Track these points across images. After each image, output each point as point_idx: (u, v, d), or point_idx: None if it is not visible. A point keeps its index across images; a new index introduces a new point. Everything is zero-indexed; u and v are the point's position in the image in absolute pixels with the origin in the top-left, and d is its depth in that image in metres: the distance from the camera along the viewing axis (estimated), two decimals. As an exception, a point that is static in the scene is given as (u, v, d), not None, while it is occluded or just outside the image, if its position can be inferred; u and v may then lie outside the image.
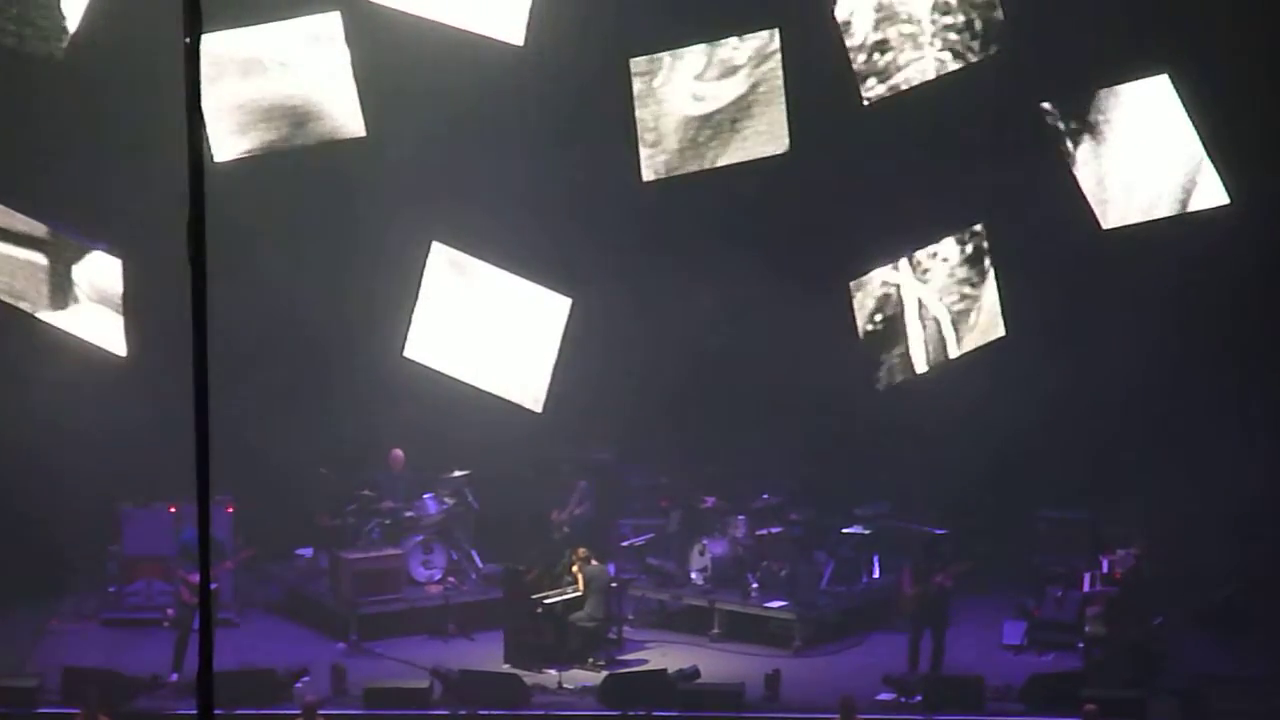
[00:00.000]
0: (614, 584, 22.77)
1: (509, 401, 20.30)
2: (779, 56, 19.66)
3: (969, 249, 20.08)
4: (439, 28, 19.17)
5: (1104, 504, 23.80)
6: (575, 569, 22.37)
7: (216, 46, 18.84)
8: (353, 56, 19.23)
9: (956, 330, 20.26)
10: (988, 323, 20.49)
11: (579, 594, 22.32)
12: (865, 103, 20.91)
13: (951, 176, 23.53)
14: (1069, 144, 19.53)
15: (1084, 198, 19.42)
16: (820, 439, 25.05)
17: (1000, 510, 24.13)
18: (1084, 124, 19.49)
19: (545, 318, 20.28)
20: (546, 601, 22.22)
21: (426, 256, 20.26)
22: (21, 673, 21.16)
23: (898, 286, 19.89)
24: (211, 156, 18.55)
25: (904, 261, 19.94)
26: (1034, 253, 23.37)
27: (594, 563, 22.37)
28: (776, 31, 19.72)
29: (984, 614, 23.86)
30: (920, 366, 20.44)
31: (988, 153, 23.44)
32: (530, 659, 21.93)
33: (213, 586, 21.62)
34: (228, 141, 19.13)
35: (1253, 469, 24.09)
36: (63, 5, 20.61)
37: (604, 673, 21.45)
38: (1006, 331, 20.53)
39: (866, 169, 23.99)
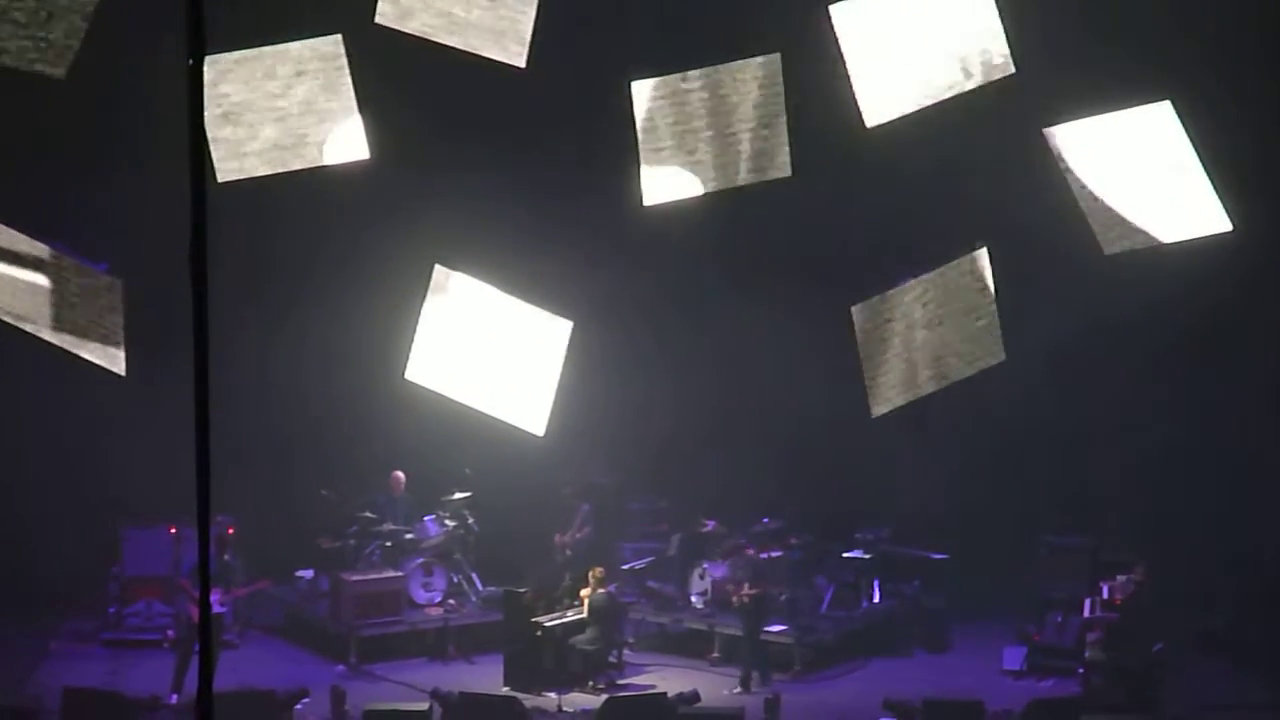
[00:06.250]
0: (620, 613, 22.86)
1: (510, 425, 20.29)
2: (781, 81, 19.65)
3: (971, 273, 20.04)
4: (442, 50, 19.17)
5: (1105, 529, 23.81)
6: (586, 592, 22.36)
7: (220, 67, 18.84)
8: (355, 79, 19.21)
9: (957, 354, 20.22)
10: (988, 347, 20.45)
11: (580, 617, 22.34)
12: (867, 127, 20.91)
13: (954, 201, 23.56)
14: (1071, 170, 19.50)
15: (1086, 223, 19.40)
16: (820, 463, 25.06)
17: (1002, 535, 24.13)
18: (1087, 150, 19.45)
19: (547, 341, 20.26)
20: (546, 624, 22.22)
21: (428, 279, 20.25)
22: (21, 693, 21.14)
23: (899, 310, 19.85)
24: (214, 177, 18.51)
25: (905, 285, 19.90)
26: (1036, 277, 23.39)
27: (601, 590, 22.37)
28: (778, 56, 19.71)
29: (985, 639, 23.89)
30: (920, 391, 20.42)
31: (990, 178, 23.47)
32: (530, 682, 21.93)
33: (220, 610, 21.80)
34: (230, 162, 19.11)
35: (1254, 495, 24.11)
36: (66, 24, 20.61)
37: (604, 696, 21.44)
38: (1007, 356, 20.50)
39: (868, 193, 24.03)
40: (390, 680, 22.47)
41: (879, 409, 20.37)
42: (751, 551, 23.10)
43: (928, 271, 20.21)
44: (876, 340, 20.03)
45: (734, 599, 22.94)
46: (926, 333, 20.05)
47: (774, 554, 23.77)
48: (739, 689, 22.19)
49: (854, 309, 19.89)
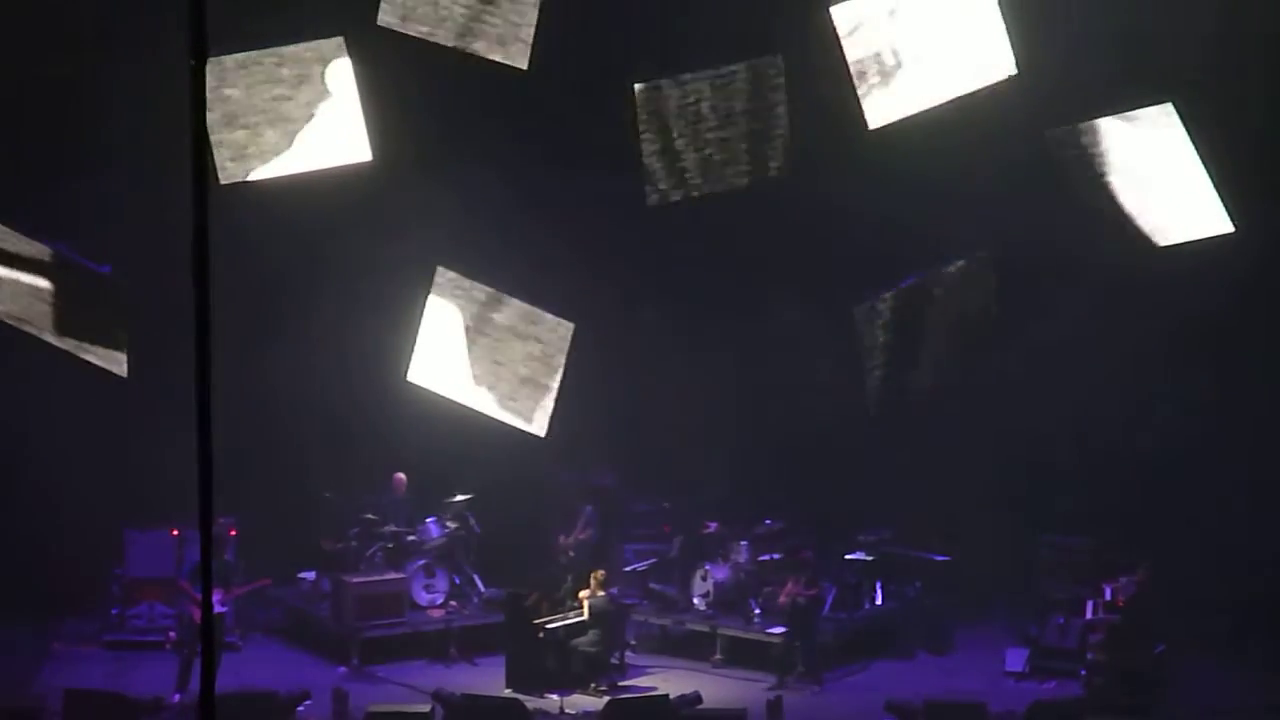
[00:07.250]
0: (621, 615, 22.85)
1: (512, 426, 20.31)
2: (783, 83, 19.66)
3: (972, 274, 20.05)
4: (444, 52, 19.18)
5: (1107, 531, 23.79)
6: (584, 594, 22.33)
7: (222, 69, 18.85)
8: (358, 80, 19.22)
9: (958, 355, 20.23)
10: (989, 348, 20.47)
11: (582, 619, 22.33)
12: (869, 129, 20.93)
13: (955, 202, 23.54)
14: (1073, 172, 19.51)
15: (1088, 224, 19.41)
16: (822, 464, 25.05)
17: (1004, 537, 24.11)
18: (1088, 152, 19.45)
19: (548, 343, 20.28)
20: (548, 626, 22.21)
21: (430, 280, 20.28)
22: (24, 694, 21.15)
23: (901, 312, 19.86)
24: (216, 179, 18.52)
25: (908, 287, 19.93)
26: (1037, 278, 23.38)
27: (600, 594, 22.35)
28: (780, 58, 19.72)
29: (987, 641, 23.89)
30: (924, 392, 20.45)
31: (992, 180, 23.45)
32: (532, 683, 21.92)
33: (221, 610, 21.82)
34: (233, 165, 19.11)
35: (1255, 495, 24.10)
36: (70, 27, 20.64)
37: (606, 698, 21.44)
38: (1008, 357, 20.56)
39: (868, 194, 24.00)
40: (392, 682, 22.47)
41: (881, 409, 20.38)
42: (807, 554, 23.13)
43: (929, 273, 20.23)
44: (877, 341, 20.04)
45: (783, 598, 22.77)
46: (927, 334, 20.06)
47: (775, 556, 23.76)
48: (811, 683, 22.23)
49: (855, 310, 19.91)
